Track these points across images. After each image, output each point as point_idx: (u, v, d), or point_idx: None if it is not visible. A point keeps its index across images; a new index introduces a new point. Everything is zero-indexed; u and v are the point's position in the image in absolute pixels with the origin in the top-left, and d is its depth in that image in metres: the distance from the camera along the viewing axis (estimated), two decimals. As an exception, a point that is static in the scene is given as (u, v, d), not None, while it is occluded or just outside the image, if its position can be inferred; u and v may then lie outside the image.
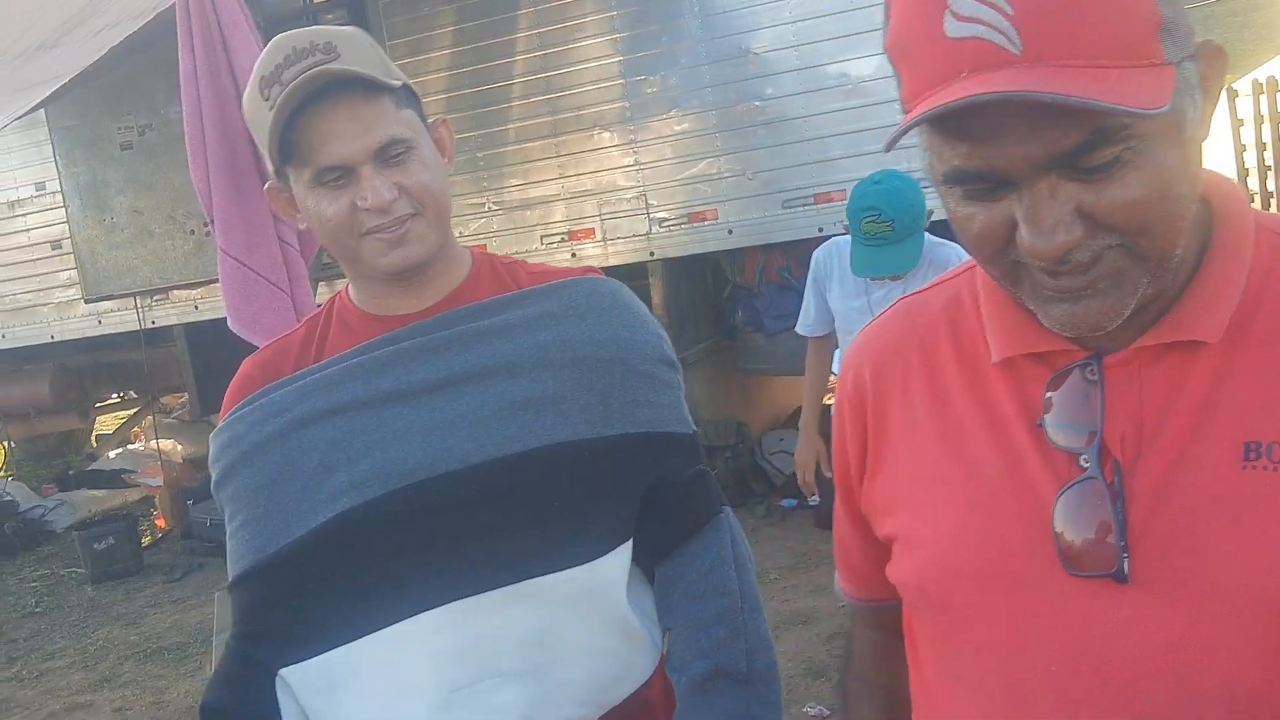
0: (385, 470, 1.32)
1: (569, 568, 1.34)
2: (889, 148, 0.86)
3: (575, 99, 5.85)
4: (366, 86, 1.32)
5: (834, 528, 1.20)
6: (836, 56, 5.26)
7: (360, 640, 1.33)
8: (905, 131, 0.82)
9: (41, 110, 5.89)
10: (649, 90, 5.67)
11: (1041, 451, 0.90)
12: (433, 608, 1.31)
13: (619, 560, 1.38)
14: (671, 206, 5.74)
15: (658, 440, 1.38)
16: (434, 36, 6.11)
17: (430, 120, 1.43)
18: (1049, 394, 0.91)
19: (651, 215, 5.79)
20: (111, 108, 6.83)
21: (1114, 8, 0.76)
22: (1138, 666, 0.85)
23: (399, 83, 1.36)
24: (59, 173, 7.31)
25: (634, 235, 5.84)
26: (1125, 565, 0.85)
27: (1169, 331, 0.87)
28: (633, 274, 5.49)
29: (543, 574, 1.33)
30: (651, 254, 5.80)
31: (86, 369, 8.68)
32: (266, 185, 1.47)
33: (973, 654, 0.95)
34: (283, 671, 1.37)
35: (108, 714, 4.91)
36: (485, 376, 1.36)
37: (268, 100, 1.31)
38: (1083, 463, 0.88)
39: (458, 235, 1.48)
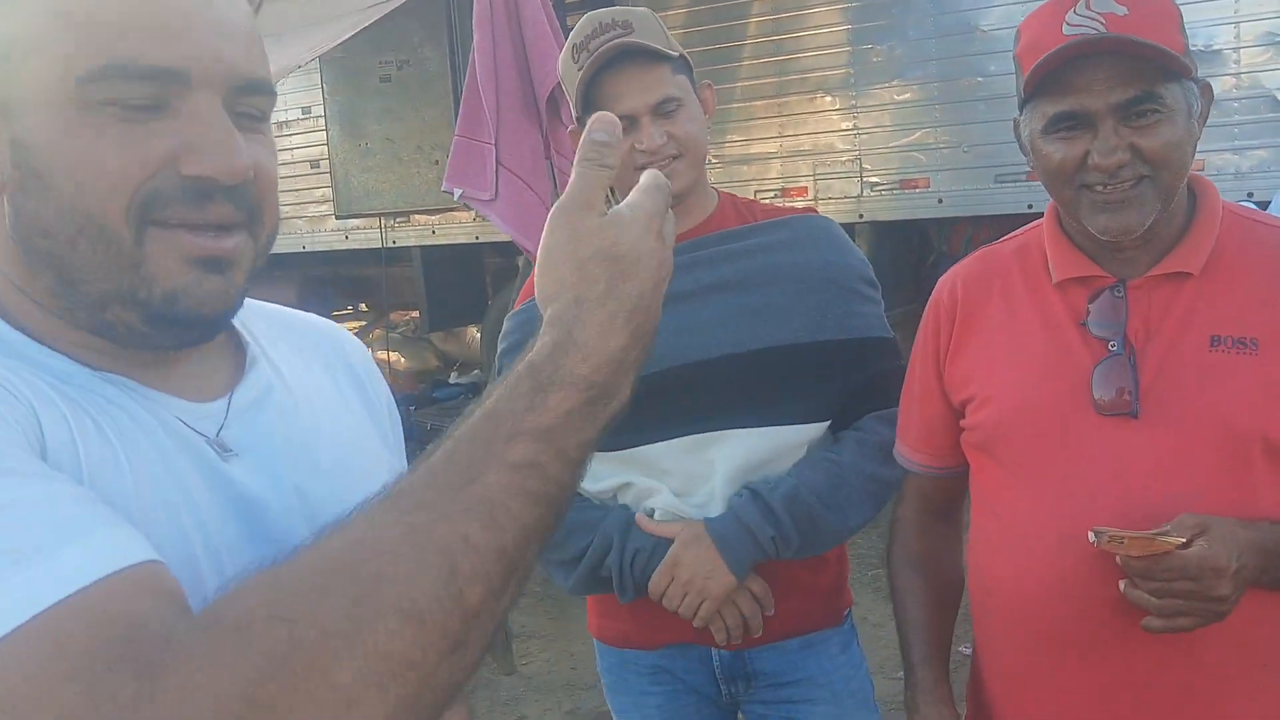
0: None
1: (767, 426, 1.72)
2: (1025, 90, 1.38)
3: (802, 63, 6.07)
4: (651, 56, 1.71)
5: (907, 408, 1.63)
6: (1064, 37, 5.32)
7: (620, 451, 1.74)
8: (1034, 80, 1.33)
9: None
10: (874, 59, 5.86)
11: (1084, 340, 1.42)
12: (673, 438, 1.73)
13: (813, 431, 1.76)
14: (884, 172, 5.93)
15: (864, 344, 1.72)
16: (673, -5, 6.44)
17: (699, 84, 1.81)
18: (1090, 304, 1.42)
19: (864, 179, 5.99)
20: (374, 44, 7.36)
21: (1166, 27, 1.30)
22: (1143, 475, 1.35)
23: (676, 54, 1.75)
24: (324, 99, 7.96)
25: (845, 196, 6.06)
26: (1136, 408, 1.36)
27: (1168, 265, 1.39)
28: (841, 234, 5.72)
29: (748, 427, 1.72)
30: (860, 216, 5.99)
31: (328, 280, 9.36)
32: (569, 128, 1.90)
33: (1032, 468, 1.41)
34: None
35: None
36: (726, 289, 1.75)
37: (577, 63, 1.73)
38: (1111, 347, 1.39)
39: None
